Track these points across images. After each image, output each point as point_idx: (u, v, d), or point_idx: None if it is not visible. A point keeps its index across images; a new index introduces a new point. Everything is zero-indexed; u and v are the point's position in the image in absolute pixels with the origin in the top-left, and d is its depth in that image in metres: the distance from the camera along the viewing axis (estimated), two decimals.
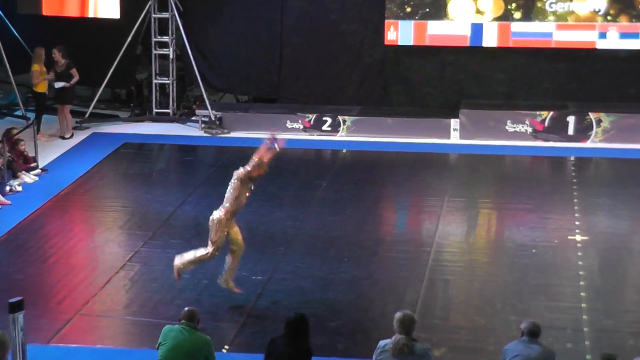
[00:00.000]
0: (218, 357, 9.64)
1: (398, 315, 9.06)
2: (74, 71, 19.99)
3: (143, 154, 19.39)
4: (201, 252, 12.32)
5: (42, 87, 20.17)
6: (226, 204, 12.21)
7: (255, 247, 14.26)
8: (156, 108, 21.64)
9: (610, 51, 19.98)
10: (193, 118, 21.31)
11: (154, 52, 21.50)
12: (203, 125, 20.71)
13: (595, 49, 19.99)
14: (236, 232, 12.38)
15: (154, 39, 21.43)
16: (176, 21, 21.08)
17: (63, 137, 20.14)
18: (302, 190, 16.95)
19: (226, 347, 11.25)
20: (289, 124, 20.43)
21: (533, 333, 9.15)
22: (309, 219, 15.53)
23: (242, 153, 19.07)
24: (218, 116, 20.70)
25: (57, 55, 20.00)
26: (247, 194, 12.27)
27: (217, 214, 12.20)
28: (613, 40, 19.81)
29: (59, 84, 20.00)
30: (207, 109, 20.69)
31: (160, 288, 12.92)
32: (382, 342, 9.08)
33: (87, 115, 21.11)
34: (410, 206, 16.70)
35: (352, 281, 13.17)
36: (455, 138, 19.95)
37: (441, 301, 12.59)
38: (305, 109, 20.71)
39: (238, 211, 12.33)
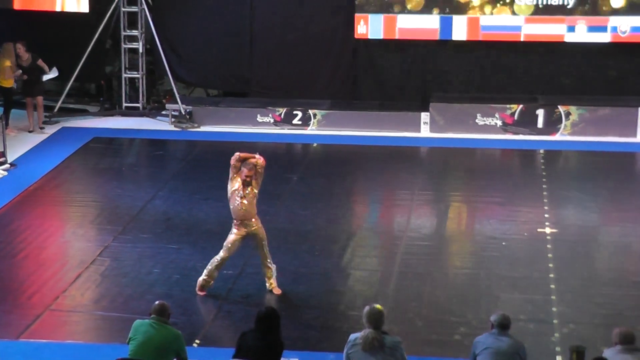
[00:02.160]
0: (189, 351, 9.63)
1: (366, 309, 9.07)
2: (41, 62, 19.87)
3: (113, 149, 19.31)
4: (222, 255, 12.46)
5: (9, 82, 20.02)
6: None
7: None
8: (126, 102, 21.54)
9: (578, 44, 20.07)
10: (163, 112, 21.24)
11: (124, 46, 21.40)
12: (173, 119, 20.65)
13: (564, 42, 20.07)
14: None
15: (123, 33, 21.33)
16: (145, 15, 21.00)
17: (31, 131, 20.02)
18: (273, 184, 16.88)
19: (197, 341, 11.23)
20: (259, 118, 20.41)
21: (503, 325, 9.20)
22: (280, 213, 15.53)
23: (213, 147, 19.20)
24: (188, 110, 20.64)
25: (21, 50, 19.86)
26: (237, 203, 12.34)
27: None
28: (581, 33, 19.91)
29: (47, 77, 19.95)
30: (177, 103, 20.63)
31: (131, 283, 12.88)
32: (352, 336, 9.09)
33: (56, 109, 20.99)
34: (381, 200, 16.73)
35: (323, 275, 13.19)
36: (425, 131, 19.99)
37: (412, 294, 12.62)
38: (275, 103, 20.69)
39: (239, 217, 12.39)
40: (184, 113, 20.54)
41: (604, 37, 19.87)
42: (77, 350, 11.06)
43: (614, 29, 19.76)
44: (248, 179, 12.27)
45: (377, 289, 12.77)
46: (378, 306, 9.10)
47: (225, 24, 21.34)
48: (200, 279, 12.50)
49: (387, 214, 16.12)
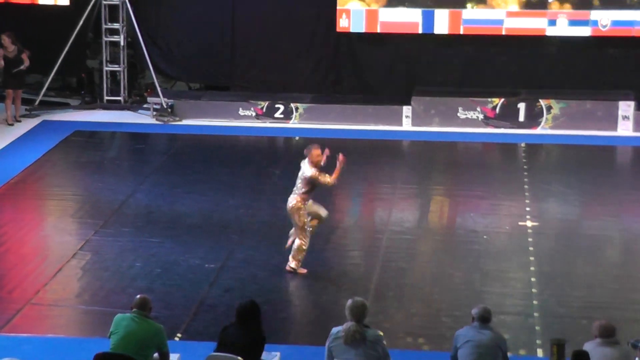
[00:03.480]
0: (170, 345, 9.62)
1: (349, 302, 9.10)
2: (24, 56, 19.78)
3: (94, 142, 19.24)
4: (297, 243, 12.74)
5: None
6: (298, 191, 12.68)
7: (209, 235, 14.26)
8: (107, 96, 21.47)
9: (560, 38, 20.12)
10: (144, 106, 21.17)
11: (105, 39, 21.33)
12: (155, 113, 20.60)
13: (545, 36, 20.12)
14: (313, 207, 12.81)
15: (104, 26, 21.25)
16: (127, 8, 20.91)
17: (11, 124, 19.92)
18: (256, 178, 16.93)
19: (179, 335, 11.22)
20: (241, 112, 20.38)
21: (484, 319, 9.22)
22: (262, 206, 15.52)
23: (195, 141, 19.18)
24: (170, 104, 20.59)
25: (6, 41, 19.77)
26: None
27: (291, 202, 12.67)
28: (563, 27, 19.95)
29: (15, 69, 19.84)
30: (158, 96, 20.57)
31: (112, 277, 12.85)
32: (334, 329, 9.11)
33: (37, 102, 20.91)
34: (363, 193, 16.74)
35: (306, 269, 13.16)
36: (407, 125, 20.01)
37: (394, 288, 12.64)
38: (257, 97, 20.66)
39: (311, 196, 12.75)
40: (165, 106, 20.48)
41: (585, 31, 19.91)
42: (58, 344, 11.03)
43: (595, 22, 19.81)
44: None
45: (359, 283, 12.78)
46: (360, 299, 9.12)
47: (207, 17, 21.29)
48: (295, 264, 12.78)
49: (369, 207, 16.13)
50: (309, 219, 12.78)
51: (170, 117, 20.44)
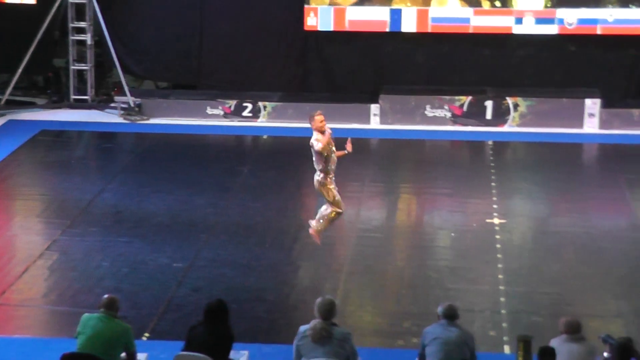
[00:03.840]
0: (138, 345, 9.59)
1: (318, 300, 9.12)
2: None
3: (61, 141, 19.15)
4: (327, 211, 12.77)
5: None
6: (318, 168, 12.61)
7: (176, 234, 14.22)
8: (74, 95, 21.35)
9: (526, 36, 20.22)
10: (112, 105, 21.08)
11: (72, 38, 21.22)
12: (122, 112, 20.52)
13: (512, 34, 20.21)
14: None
15: (71, 25, 21.14)
16: (94, 6, 20.81)
17: None
18: (223, 177, 16.90)
19: (146, 334, 11.19)
20: (209, 110, 20.34)
21: (450, 316, 9.26)
22: (230, 205, 15.50)
23: (162, 140, 19.12)
24: (137, 103, 20.51)
25: None
26: (330, 154, 12.59)
27: (316, 178, 12.64)
28: (529, 25, 20.05)
29: None
30: (126, 95, 20.49)
31: (79, 277, 12.79)
32: (302, 328, 9.12)
33: (3, 102, 20.78)
34: None
35: (274, 267, 13.19)
36: (375, 123, 20.04)
37: (362, 286, 12.67)
38: (225, 95, 20.63)
39: (331, 169, 12.64)
40: (133, 105, 20.41)
41: (552, 29, 20.02)
42: (25, 345, 10.97)
43: (561, 21, 19.93)
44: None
45: (327, 281, 12.79)
46: (329, 298, 9.14)
47: (175, 15, 21.23)
48: (317, 227, 12.81)
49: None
50: (334, 194, 12.71)
51: (138, 116, 20.37)
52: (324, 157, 12.54)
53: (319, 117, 12.63)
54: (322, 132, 12.59)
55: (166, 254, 13.46)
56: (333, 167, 12.68)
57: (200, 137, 19.41)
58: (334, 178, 12.72)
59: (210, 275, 12.87)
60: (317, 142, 12.44)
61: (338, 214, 12.83)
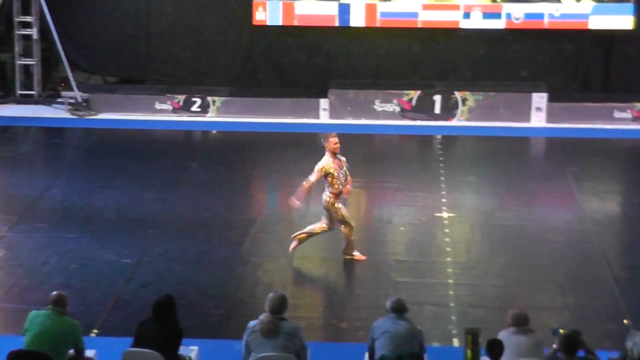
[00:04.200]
0: (87, 341, 9.54)
1: (269, 295, 9.13)
2: None
3: (7, 137, 18.95)
4: (316, 226, 13.02)
5: None
6: (327, 188, 12.73)
7: (125, 230, 14.15)
8: (20, 90, 21.15)
9: (474, 30, 20.32)
10: (59, 100, 20.90)
11: (17, 32, 20.99)
12: (69, 107, 20.35)
13: (460, 29, 20.31)
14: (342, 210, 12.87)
15: (16, 19, 20.91)
16: (39, 0, 20.60)
17: None
18: (172, 172, 16.82)
19: (95, 331, 11.13)
20: (157, 105, 20.24)
21: (399, 310, 9.30)
22: (179, 200, 15.44)
23: (110, 135, 18.99)
24: (85, 98, 20.35)
25: None
26: (338, 175, 12.61)
27: (324, 197, 12.76)
28: (477, 20, 20.16)
29: None
30: (73, 90, 20.32)
31: (27, 273, 12.68)
32: (251, 323, 9.12)
33: None
34: (280, 187, 16.73)
35: (223, 262, 13.17)
36: (324, 118, 20.06)
37: (312, 280, 12.70)
38: (174, 90, 20.54)
39: (339, 193, 12.72)
40: (80, 100, 20.25)
41: (499, 24, 20.15)
42: None
43: (508, 15, 20.06)
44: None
45: (276, 276, 12.80)
46: (280, 292, 9.16)
47: (122, 10, 21.09)
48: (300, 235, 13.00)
49: (286, 200, 16.08)
50: (343, 213, 12.78)
51: (86, 111, 20.21)
52: (330, 178, 12.58)
53: (333, 139, 12.69)
54: (335, 154, 12.63)
55: (115, 250, 13.39)
56: (338, 188, 12.68)
57: (148, 132, 19.31)
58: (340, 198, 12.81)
59: (159, 270, 12.83)
60: (319, 164, 12.59)
61: (349, 231, 12.90)
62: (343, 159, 12.78)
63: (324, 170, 12.57)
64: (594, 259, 13.33)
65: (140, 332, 9.22)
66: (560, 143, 18.71)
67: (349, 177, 12.82)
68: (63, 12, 21.14)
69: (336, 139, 12.70)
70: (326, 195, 12.72)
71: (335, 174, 12.59)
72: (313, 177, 12.60)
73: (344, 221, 12.80)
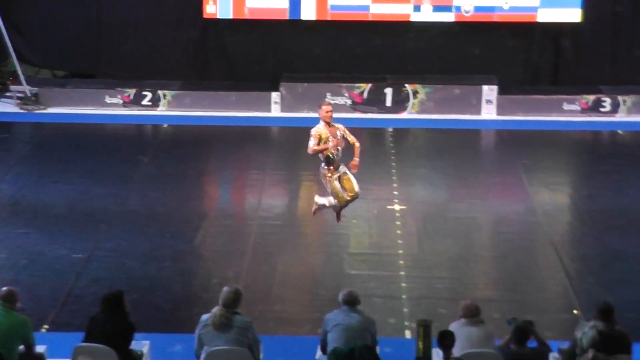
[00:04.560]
0: (37, 337, 9.48)
1: (224, 288, 9.13)
2: None
3: None
4: (332, 201, 12.77)
5: None
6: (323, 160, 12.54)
7: (75, 225, 14.07)
8: None
9: (424, 24, 20.38)
10: (7, 94, 20.67)
11: None
12: (18, 101, 20.14)
13: (410, 22, 20.37)
14: (349, 181, 12.60)
15: None
16: None
17: None
18: (123, 166, 16.72)
19: (45, 326, 11.06)
20: (107, 99, 20.09)
21: (351, 302, 9.33)
22: (130, 195, 15.36)
23: (60, 129, 18.83)
24: (34, 92, 20.15)
25: None
26: (334, 145, 12.44)
27: (321, 170, 12.61)
28: (427, 13, 20.22)
29: None
30: (22, 84, 20.12)
31: None
32: (204, 317, 9.11)
33: None
34: (232, 180, 16.72)
35: (176, 257, 13.13)
36: (276, 111, 20.03)
37: (265, 274, 12.68)
38: (124, 84, 20.39)
39: (333, 162, 12.50)
40: (29, 95, 20.05)
41: (449, 17, 20.23)
42: None
43: (458, 8, 20.14)
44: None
45: (230, 270, 12.77)
46: (234, 286, 9.17)
47: (71, 3, 20.89)
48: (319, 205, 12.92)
49: (238, 194, 16.12)
50: (340, 188, 12.60)
51: (35, 105, 20.02)
52: (322, 146, 12.41)
53: (325, 107, 12.58)
54: (328, 123, 12.51)
55: (65, 245, 13.30)
56: (335, 158, 12.53)
57: (98, 126, 19.18)
58: (342, 170, 12.63)
59: (110, 265, 12.76)
60: (313, 129, 12.47)
61: (335, 202, 12.73)
62: (340, 126, 12.64)
63: (316, 134, 12.45)
64: (545, 251, 13.46)
65: (91, 327, 9.17)
66: (511, 135, 18.85)
67: (351, 139, 12.63)
68: (11, 5, 20.92)
69: (328, 107, 12.57)
70: (322, 168, 12.59)
71: (328, 141, 12.42)
72: (311, 142, 12.44)
73: (334, 194, 12.66)
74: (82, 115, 19.65)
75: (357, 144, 12.68)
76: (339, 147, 12.51)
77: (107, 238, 13.64)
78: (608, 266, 13.02)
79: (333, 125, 12.57)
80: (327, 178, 12.57)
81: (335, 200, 12.68)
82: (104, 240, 13.55)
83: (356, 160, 12.61)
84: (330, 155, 12.48)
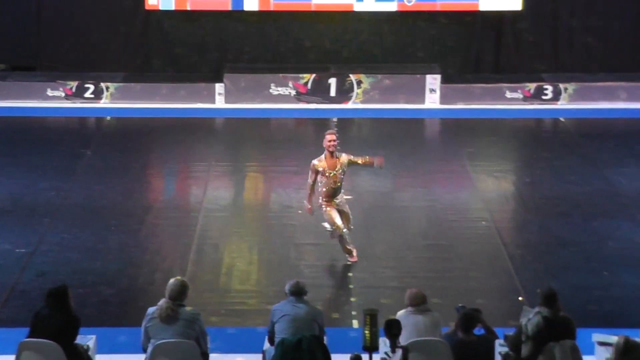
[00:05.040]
0: None
1: (170, 281, 9.09)
2: None
3: None
4: (327, 226, 12.46)
5: None
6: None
7: (19, 219, 13.94)
8: None
9: (367, 13, 20.43)
10: None
11: None
12: None
13: (354, 12, 20.39)
14: (345, 216, 12.38)
15: None
16: None
17: None
18: (66, 160, 16.58)
19: None
20: (49, 92, 19.90)
21: (297, 292, 9.33)
22: (74, 188, 15.24)
23: (2, 123, 18.61)
24: None
25: None
26: (333, 178, 12.11)
27: (319, 199, 12.33)
28: (370, 3, 20.26)
29: None
30: None
31: None
32: (150, 309, 9.06)
33: None
34: (177, 172, 16.65)
35: (121, 250, 13.06)
36: (220, 102, 19.97)
37: (211, 265, 12.66)
38: (66, 77, 20.19)
39: (331, 194, 12.20)
40: None
41: (391, 7, 20.29)
42: None
43: None
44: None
45: (175, 262, 12.73)
46: (180, 279, 9.13)
47: None
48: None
49: (183, 186, 16.06)
50: (337, 219, 12.26)
51: None
52: (316, 178, 12.13)
53: (328, 136, 12.17)
54: (332, 154, 12.11)
55: (8, 239, 13.17)
56: (330, 189, 12.19)
57: (40, 119, 19.02)
58: (340, 201, 12.37)
59: (55, 259, 12.66)
60: (313, 162, 12.17)
61: (337, 234, 12.39)
62: (343, 158, 12.22)
63: (313, 167, 12.14)
64: (489, 238, 13.56)
65: (36, 322, 9.08)
66: (455, 124, 18.98)
67: (361, 160, 12.38)
68: None
69: (331, 137, 12.14)
70: (319, 198, 12.34)
71: (325, 174, 12.10)
72: (309, 177, 12.19)
73: (330, 223, 12.38)
74: (24, 108, 19.45)
75: (368, 158, 12.45)
76: (336, 181, 12.19)
77: (52, 232, 13.52)
78: (552, 252, 13.17)
79: (336, 157, 12.18)
80: (323, 208, 12.35)
81: (334, 227, 12.33)
82: (48, 234, 13.44)
83: (378, 159, 12.50)
84: (325, 189, 12.23)
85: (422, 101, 19.94)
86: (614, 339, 8.90)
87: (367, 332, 8.46)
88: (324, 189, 12.25)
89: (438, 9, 20.27)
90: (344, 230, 12.37)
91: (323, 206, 12.38)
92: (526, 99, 19.96)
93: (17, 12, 20.74)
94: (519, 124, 19.15)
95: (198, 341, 9.00)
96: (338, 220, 12.28)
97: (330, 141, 12.15)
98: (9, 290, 11.77)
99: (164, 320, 8.91)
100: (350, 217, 12.54)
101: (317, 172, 12.19)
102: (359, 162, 12.45)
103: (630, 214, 14.34)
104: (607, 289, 12.02)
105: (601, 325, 10.63)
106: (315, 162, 12.19)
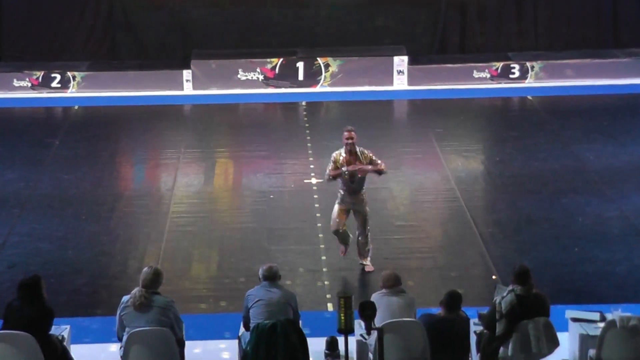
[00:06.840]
0: None
1: (143, 269, 9.08)
2: None
3: None
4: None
5: None
6: None
7: None
8: None
9: None
10: None
11: None
12: None
13: None
14: (356, 214, 11.98)
15: None
16: None
17: None
18: (34, 150, 16.48)
19: None
20: (15, 83, 19.74)
21: (271, 277, 9.33)
22: (43, 178, 15.16)
23: None
24: None
25: None
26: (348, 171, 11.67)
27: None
28: None
29: None
30: None
31: None
32: (125, 298, 9.05)
33: None
34: (147, 160, 16.58)
35: (92, 239, 13.02)
36: (188, 89, 19.91)
37: (182, 252, 12.63)
38: (32, 67, 20.05)
39: (346, 191, 11.82)
40: None
41: None
42: None
43: None
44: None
45: (147, 250, 12.70)
46: (154, 267, 9.12)
47: None
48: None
49: (153, 174, 15.99)
50: (336, 216, 11.90)
51: None
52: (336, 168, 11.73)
53: (346, 133, 11.79)
54: (350, 151, 11.73)
55: None
56: (348, 187, 11.81)
57: (6, 110, 18.89)
58: (355, 201, 11.91)
59: (25, 250, 12.60)
60: (333, 154, 11.83)
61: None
62: (364, 155, 11.80)
63: (333, 158, 11.81)
64: (460, 217, 13.62)
65: (8, 314, 9.03)
66: (423, 105, 19.02)
67: (379, 165, 11.89)
68: None
69: (348, 134, 11.72)
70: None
71: (338, 168, 11.75)
72: (328, 167, 11.84)
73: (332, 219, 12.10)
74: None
75: (383, 165, 11.99)
76: (352, 175, 11.78)
77: (21, 223, 13.45)
78: (522, 230, 13.23)
79: (356, 153, 11.80)
80: (335, 205, 11.96)
81: (331, 222, 12.09)
82: (18, 225, 13.36)
83: (367, 166, 11.84)
84: (343, 185, 11.86)
85: (390, 83, 19.96)
86: (587, 315, 8.98)
87: (342, 315, 8.47)
88: (342, 185, 11.92)
89: None
90: (341, 231, 11.99)
91: (336, 204, 12.00)
92: (493, 78, 20.02)
93: None
94: (486, 103, 19.23)
95: (173, 329, 8.99)
96: (334, 218, 11.95)
97: (346, 138, 11.80)
98: None
99: (138, 309, 8.90)
100: (368, 218, 12.00)
101: (334, 163, 11.80)
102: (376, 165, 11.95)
103: (598, 189, 14.45)
104: (578, 264, 12.11)
105: (574, 301, 10.75)
106: (335, 153, 11.88)
